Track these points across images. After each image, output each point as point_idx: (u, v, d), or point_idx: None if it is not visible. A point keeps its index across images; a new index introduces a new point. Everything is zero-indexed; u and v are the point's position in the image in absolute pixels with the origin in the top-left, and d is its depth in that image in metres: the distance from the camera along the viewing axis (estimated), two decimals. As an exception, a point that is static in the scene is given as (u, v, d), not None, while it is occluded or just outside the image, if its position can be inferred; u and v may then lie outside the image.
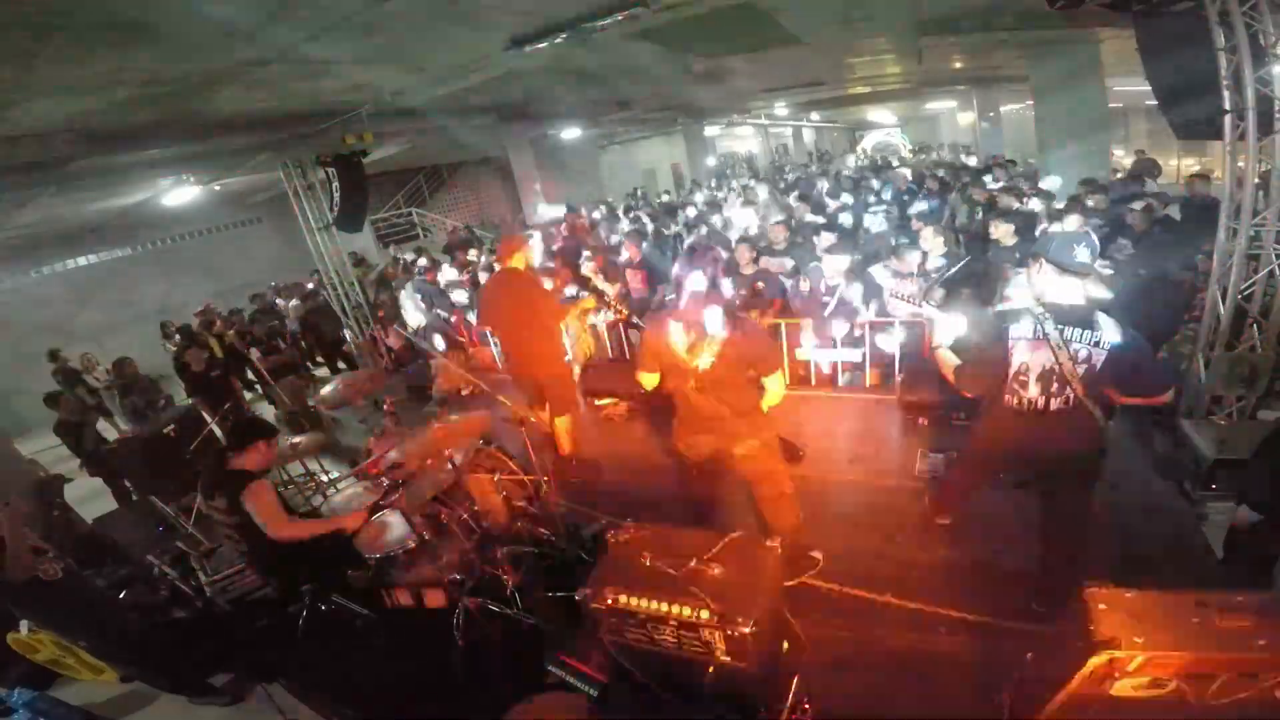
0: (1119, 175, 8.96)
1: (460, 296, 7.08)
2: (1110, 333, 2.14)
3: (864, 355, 4.96)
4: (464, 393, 5.93)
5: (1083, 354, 2.16)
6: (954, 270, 4.52)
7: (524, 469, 3.59)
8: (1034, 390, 2.26)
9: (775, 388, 2.66)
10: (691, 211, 9.46)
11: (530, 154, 12.91)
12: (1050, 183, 7.25)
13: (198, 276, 12.45)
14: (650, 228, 8.53)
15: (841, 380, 5.14)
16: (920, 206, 7.48)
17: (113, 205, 8.48)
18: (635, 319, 4.37)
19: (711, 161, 22.38)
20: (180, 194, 8.56)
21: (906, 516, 3.35)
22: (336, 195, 7.06)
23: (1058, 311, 2.20)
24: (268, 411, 7.40)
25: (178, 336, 8.57)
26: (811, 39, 6.46)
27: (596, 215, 10.37)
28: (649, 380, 2.75)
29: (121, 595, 3.72)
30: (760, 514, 2.81)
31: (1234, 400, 3.74)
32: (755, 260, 5.36)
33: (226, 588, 3.43)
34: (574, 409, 4.24)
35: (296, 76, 4.57)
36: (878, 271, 4.83)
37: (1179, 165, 10.97)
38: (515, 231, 7.71)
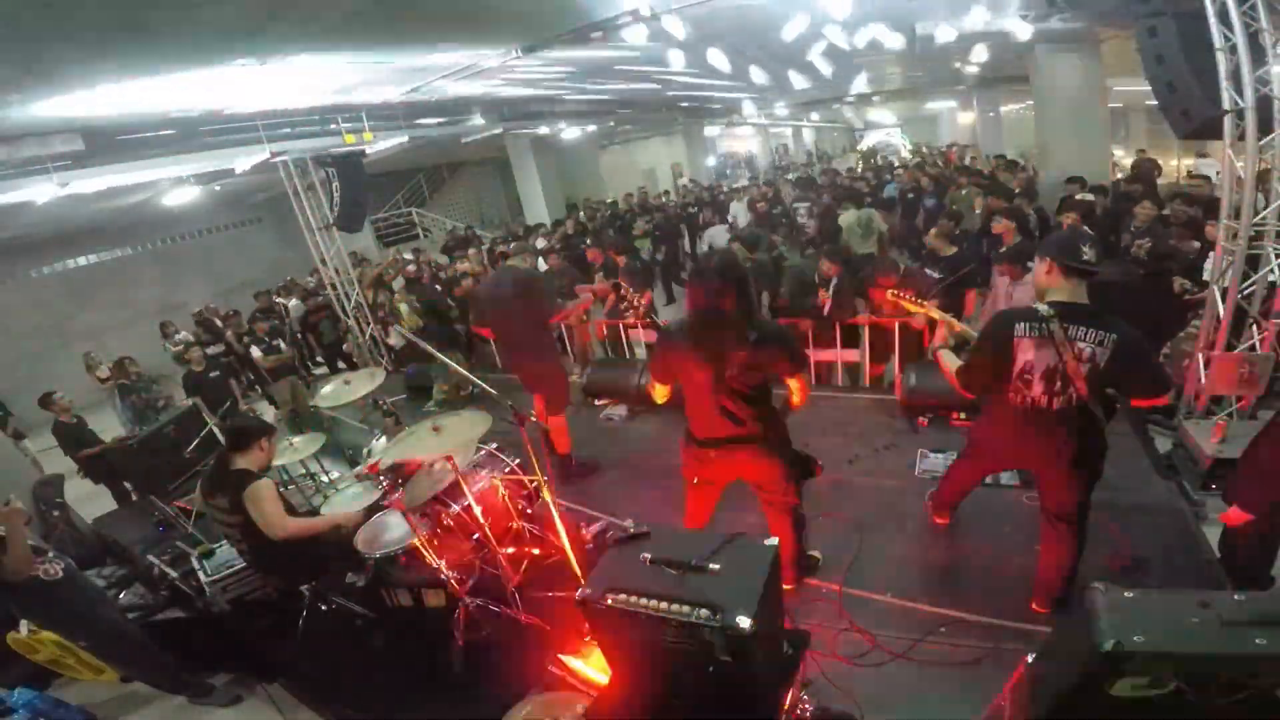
0: (1119, 176, 8.97)
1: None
2: (1114, 331, 2.13)
3: (863, 355, 4.97)
4: (463, 393, 5.93)
5: (1087, 353, 2.16)
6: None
7: (524, 469, 3.59)
8: (1038, 389, 2.26)
9: (798, 388, 2.60)
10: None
11: (530, 154, 12.92)
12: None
13: (198, 276, 12.46)
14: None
15: (841, 380, 5.15)
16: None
17: (113, 205, 8.49)
18: (653, 318, 4.33)
19: (711, 161, 22.41)
20: (180, 194, 8.57)
21: (906, 516, 3.35)
22: (336, 195, 7.07)
23: (1063, 310, 2.20)
24: (268, 411, 7.40)
25: (178, 336, 8.58)
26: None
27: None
28: (661, 394, 2.74)
29: (121, 595, 3.72)
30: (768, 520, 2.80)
31: (1234, 400, 3.74)
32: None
33: (226, 588, 3.43)
34: (566, 406, 4.22)
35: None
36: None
37: (1179, 165, 10.97)
38: (520, 233, 7.72)
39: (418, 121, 7.59)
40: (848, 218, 7.79)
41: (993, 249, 5.46)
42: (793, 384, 2.60)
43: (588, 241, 7.84)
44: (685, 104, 13.19)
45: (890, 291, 3.40)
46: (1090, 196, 6.52)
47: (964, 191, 8.34)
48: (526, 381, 4.13)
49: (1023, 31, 6.07)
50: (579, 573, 2.76)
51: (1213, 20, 3.23)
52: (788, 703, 1.95)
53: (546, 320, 3.95)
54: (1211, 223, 4.35)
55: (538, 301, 3.88)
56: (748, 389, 2.46)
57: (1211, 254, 3.94)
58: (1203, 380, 3.75)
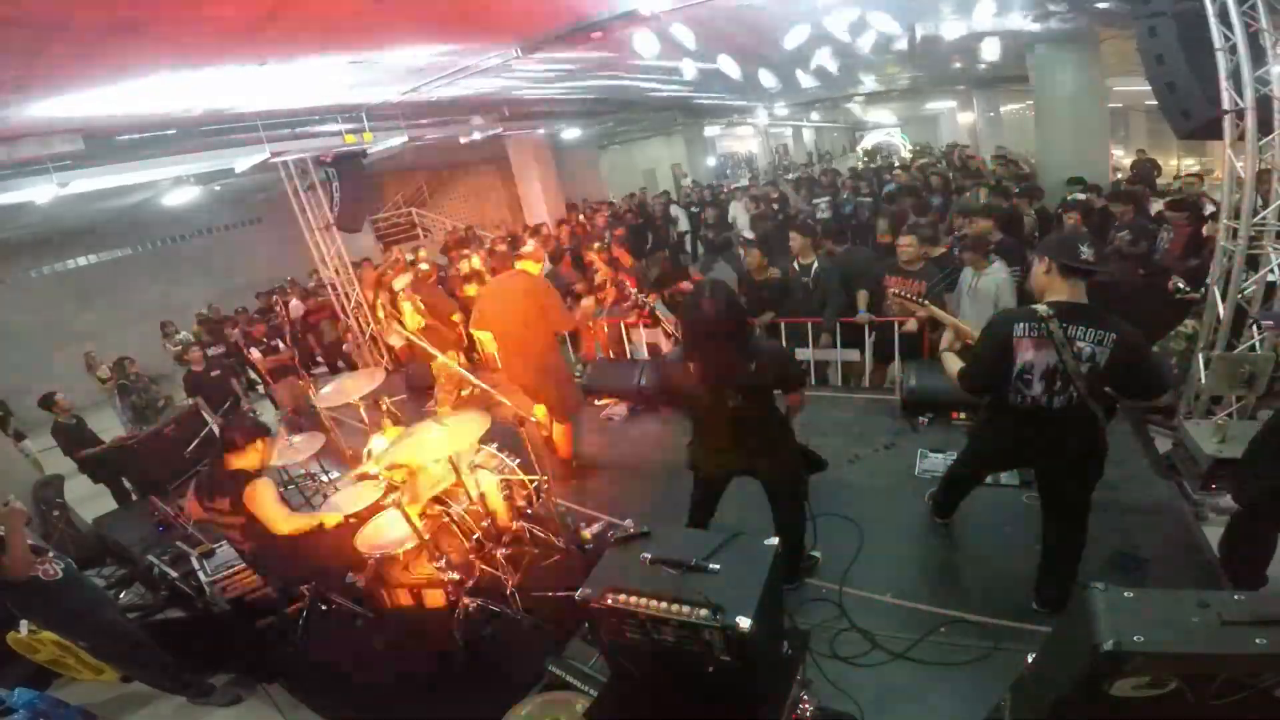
0: (1119, 176, 8.97)
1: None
2: (1114, 331, 2.14)
3: (864, 355, 4.95)
4: (464, 393, 5.93)
5: (1087, 352, 2.16)
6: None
7: (524, 469, 3.59)
8: (1038, 389, 2.26)
9: (796, 401, 2.68)
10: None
11: (530, 154, 12.91)
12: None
13: (198, 276, 12.46)
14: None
15: (841, 380, 5.14)
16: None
17: (113, 205, 8.49)
18: (660, 316, 4.30)
19: (711, 162, 22.41)
20: (180, 194, 8.56)
21: (906, 516, 3.35)
22: (336, 195, 7.07)
23: (1062, 310, 2.20)
24: (268, 411, 7.40)
25: (178, 336, 8.59)
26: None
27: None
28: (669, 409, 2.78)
29: (121, 595, 3.72)
30: (773, 519, 2.81)
31: (1234, 400, 3.74)
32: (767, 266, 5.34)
33: (226, 588, 3.43)
34: (575, 412, 4.18)
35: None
36: None
37: (1179, 165, 10.97)
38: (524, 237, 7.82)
39: (418, 121, 7.59)
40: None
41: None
42: (792, 398, 2.66)
43: (598, 244, 7.83)
44: (685, 104, 13.19)
45: (893, 291, 3.40)
46: (1083, 196, 6.53)
47: (967, 194, 8.34)
48: (530, 389, 4.08)
49: (1023, 30, 6.07)
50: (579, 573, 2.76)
51: (1213, 20, 3.23)
52: (788, 703, 1.95)
53: (558, 329, 3.90)
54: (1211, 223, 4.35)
55: (548, 310, 3.83)
56: (754, 403, 2.49)
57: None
58: (1203, 380, 3.75)
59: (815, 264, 4.77)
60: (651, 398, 2.92)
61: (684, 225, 11.74)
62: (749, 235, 9.07)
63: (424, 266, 7.75)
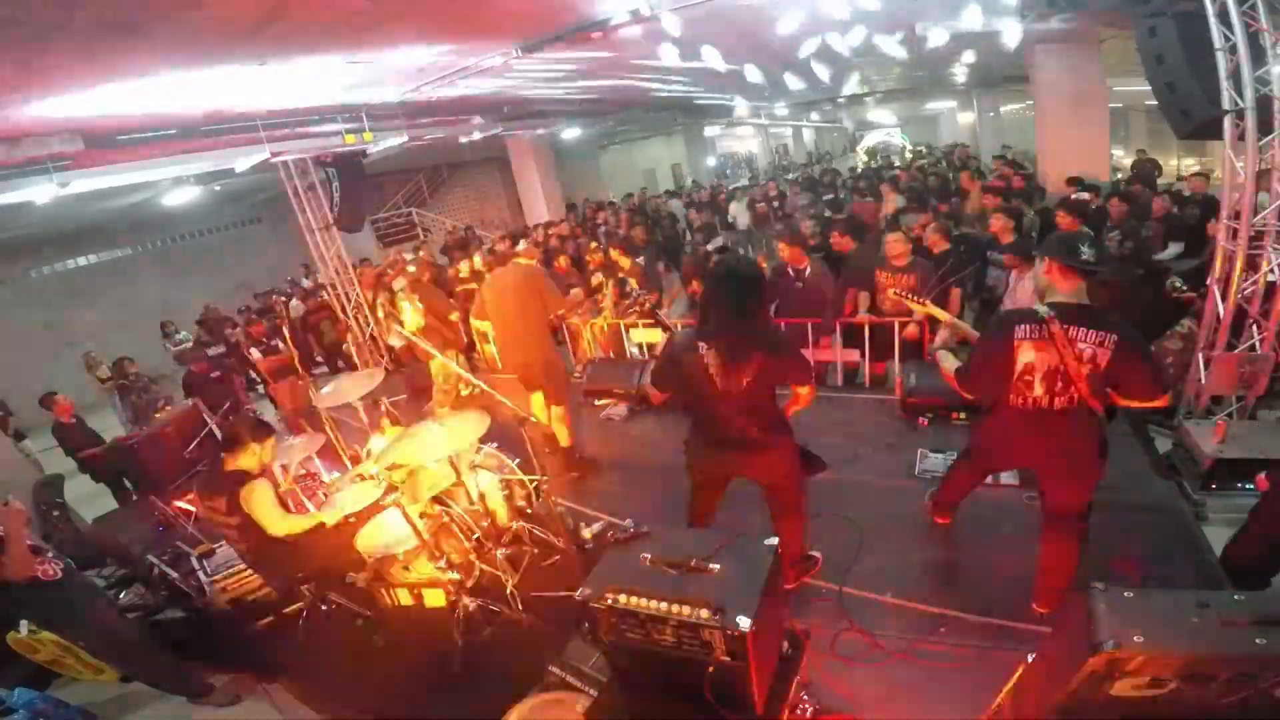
0: (1119, 176, 8.97)
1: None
2: (1115, 331, 2.13)
3: (864, 354, 4.95)
4: (464, 393, 5.93)
5: (1087, 353, 2.16)
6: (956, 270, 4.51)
7: (524, 469, 3.59)
8: (1039, 389, 2.26)
9: (805, 395, 2.62)
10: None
11: (530, 154, 12.93)
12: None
13: (198, 276, 12.46)
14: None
15: (841, 380, 5.13)
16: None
17: (113, 205, 8.49)
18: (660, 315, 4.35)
19: (711, 162, 22.41)
20: (180, 194, 8.57)
21: (906, 516, 3.35)
22: (336, 195, 7.08)
23: (1063, 310, 2.19)
24: (268, 411, 7.40)
25: (179, 336, 8.59)
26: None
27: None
28: (657, 397, 2.73)
29: (121, 595, 3.72)
30: (772, 519, 2.80)
31: (1234, 400, 3.74)
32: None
33: (226, 588, 3.43)
34: (567, 397, 4.26)
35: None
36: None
37: (1179, 165, 10.98)
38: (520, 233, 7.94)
39: (418, 121, 7.59)
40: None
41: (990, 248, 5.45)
42: (802, 391, 2.59)
43: (596, 244, 7.85)
44: (686, 103, 13.20)
45: (892, 290, 3.39)
46: (1085, 195, 6.53)
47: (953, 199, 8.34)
48: (525, 376, 4.18)
49: (1022, 32, 6.08)
50: (578, 572, 2.76)
51: (1213, 20, 3.23)
52: (788, 703, 1.95)
53: (553, 312, 4.06)
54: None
55: (544, 294, 4.02)
56: (759, 397, 2.46)
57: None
58: (1203, 380, 3.75)
59: (808, 268, 4.76)
60: (649, 392, 2.95)
61: (683, 222, 11.72)
62: (710, 247, 9.14)
63: (411, 269, 7.75)
